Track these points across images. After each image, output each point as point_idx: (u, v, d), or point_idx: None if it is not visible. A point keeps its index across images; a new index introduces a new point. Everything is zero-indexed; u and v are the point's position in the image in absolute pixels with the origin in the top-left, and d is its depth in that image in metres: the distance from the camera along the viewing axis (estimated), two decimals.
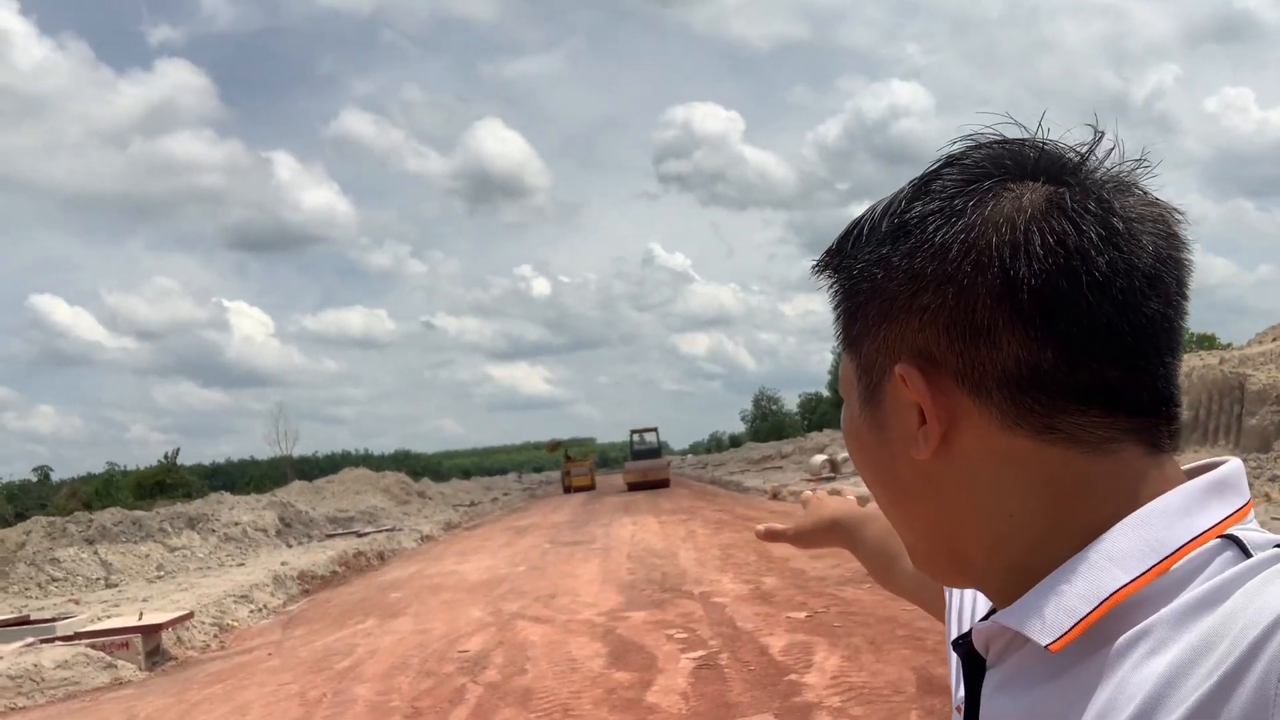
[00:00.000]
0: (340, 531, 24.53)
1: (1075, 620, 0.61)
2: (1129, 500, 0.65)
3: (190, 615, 11.13)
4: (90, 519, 19.66)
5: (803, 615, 8.84)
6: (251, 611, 12.58)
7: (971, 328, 0.64)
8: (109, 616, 11.51)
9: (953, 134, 0.70)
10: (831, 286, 0.73)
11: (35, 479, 55.46)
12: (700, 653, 7.76)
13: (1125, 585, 0.61)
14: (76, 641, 9.77)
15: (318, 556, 17.72)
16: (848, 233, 0.72)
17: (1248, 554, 0.60)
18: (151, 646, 9.92)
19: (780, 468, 41.23)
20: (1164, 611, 0.59)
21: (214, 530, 20.90)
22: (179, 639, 10.52)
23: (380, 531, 23.81)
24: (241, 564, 17.98)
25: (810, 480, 27.64)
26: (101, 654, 9.41)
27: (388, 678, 7.97)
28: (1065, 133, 0.68)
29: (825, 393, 78.88)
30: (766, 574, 11.73)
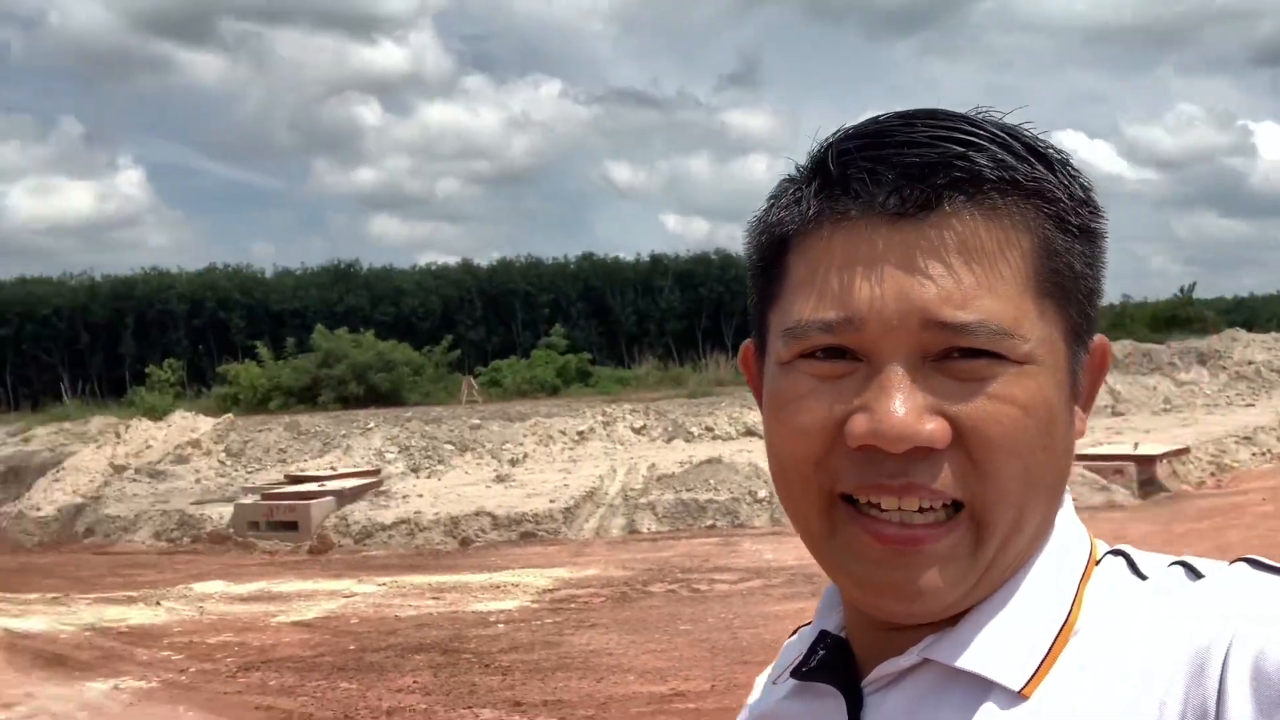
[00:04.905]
0: None
1: (1040, 659, 0.57)
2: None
3: (1187, 450, 11.22)
4: None
5: None
6: (1253, 455, 12.15)
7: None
8: (1109, 444, 12.17)
9: None
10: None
11: None
12: None
13: (1069, 614, 0.58)
14: (1075, 463, 10.61)
15: None
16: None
17: (1139, 572, 0.59)
18: (1146, 476, 10.32)
19: None
20: (1090, 637, 0.57)
21: (1224, 368, 20.32)
22: (1174, 472, 10.72)
23: None
24: (1250, 404, 17.24)
25: None
26: (1096, 477, 10.12)
27: None
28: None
29: None
30: None
